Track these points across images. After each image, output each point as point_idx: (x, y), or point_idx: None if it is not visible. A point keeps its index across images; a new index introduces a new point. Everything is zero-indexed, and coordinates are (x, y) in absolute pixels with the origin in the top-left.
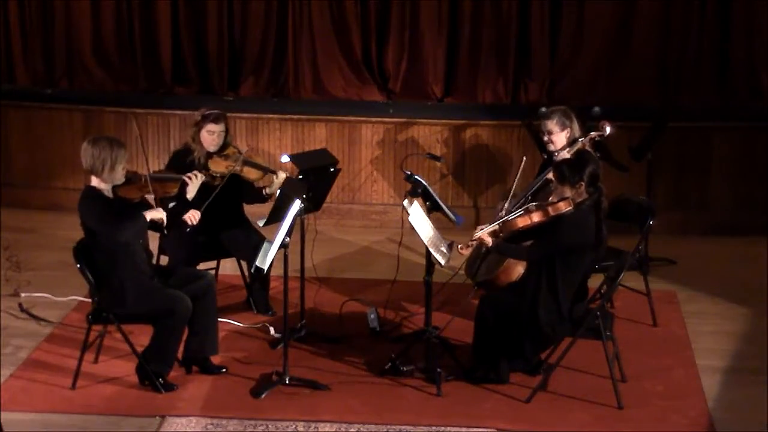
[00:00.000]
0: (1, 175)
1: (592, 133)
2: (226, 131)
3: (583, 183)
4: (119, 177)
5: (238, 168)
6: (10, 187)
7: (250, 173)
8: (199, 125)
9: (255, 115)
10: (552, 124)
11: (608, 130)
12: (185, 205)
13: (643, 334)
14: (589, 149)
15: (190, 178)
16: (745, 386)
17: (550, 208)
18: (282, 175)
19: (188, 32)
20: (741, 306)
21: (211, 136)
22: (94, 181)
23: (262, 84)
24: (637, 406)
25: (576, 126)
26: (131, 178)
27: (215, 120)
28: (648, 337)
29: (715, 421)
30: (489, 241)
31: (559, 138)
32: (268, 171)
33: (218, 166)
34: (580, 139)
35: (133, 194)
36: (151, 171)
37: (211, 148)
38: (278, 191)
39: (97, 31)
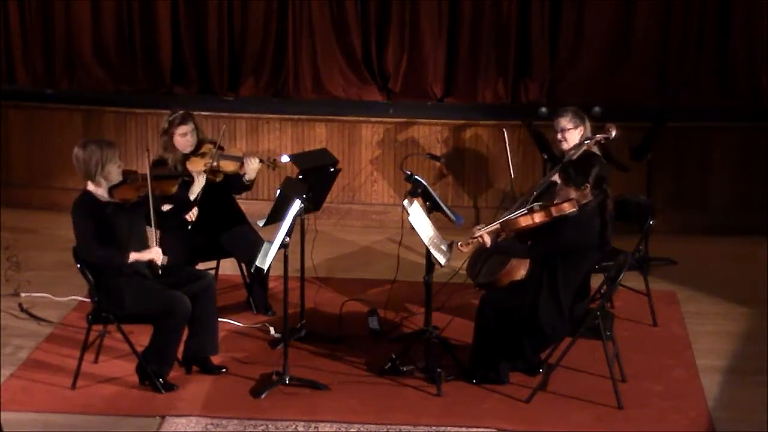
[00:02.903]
0: (1, 175)
1: (598, 136)
2: (196, 128)
3: (588, 185)
4: (114, 177)
5: (215, 163)
6: (10, 187)
7: (228, 166)
8: (169, 132)
9: (255, 115)
10: (566, 121)
11: (614, 133)
12: (185, 206)
13: (643, 334)
14: (596, 151)
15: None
16: (745, 386)
17: (553, 209)
18: (254, 161)
19: (188, 32)
20: (741, 306)
21: (184, 138)
22: (90, 186)
23: (262, 84)
24: (637, 406)
25: (588, 126)
26: (128, 178)
27: (183, 121)
28: (648, 337)
29: (715, 421)
30: (488, 240)
31: (573, 135)
32: (241, 159)
33: (196, 165)
34: (585, 141)
35: (130, 194)
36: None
37: (187, 150)
38: (279, 190)
39: (97, 31)
